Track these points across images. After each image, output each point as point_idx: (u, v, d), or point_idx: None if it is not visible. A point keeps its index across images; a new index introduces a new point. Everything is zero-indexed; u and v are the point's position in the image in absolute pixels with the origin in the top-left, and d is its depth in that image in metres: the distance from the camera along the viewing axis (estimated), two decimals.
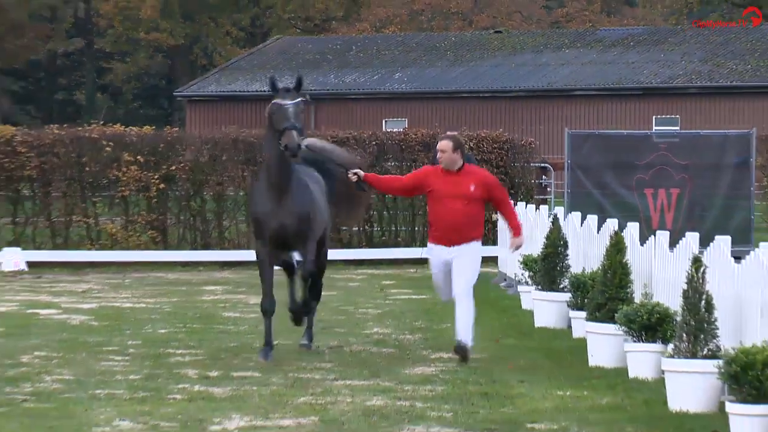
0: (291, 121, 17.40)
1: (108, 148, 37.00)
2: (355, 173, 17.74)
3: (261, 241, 18.20)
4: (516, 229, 17.64)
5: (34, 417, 14.15)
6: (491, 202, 17.61)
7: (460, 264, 17.46)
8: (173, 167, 36.38)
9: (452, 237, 17.37)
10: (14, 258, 34.43)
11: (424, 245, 37.54)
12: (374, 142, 38.68)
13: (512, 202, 18.00)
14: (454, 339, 17.52)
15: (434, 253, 17.85)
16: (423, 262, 35.10)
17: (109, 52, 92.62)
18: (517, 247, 18.12)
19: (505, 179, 37.43)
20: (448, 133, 17.72)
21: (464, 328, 17.50)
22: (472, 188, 17.14)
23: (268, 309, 18.23)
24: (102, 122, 40.75)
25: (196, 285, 30.50)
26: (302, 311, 18.99)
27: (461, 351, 17.37)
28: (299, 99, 17.82)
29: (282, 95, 17.77)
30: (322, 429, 13.28)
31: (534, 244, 24.51)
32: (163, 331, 22.00)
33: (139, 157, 36.95)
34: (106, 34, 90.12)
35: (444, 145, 17.03)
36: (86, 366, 17.99)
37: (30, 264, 34.43)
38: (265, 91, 68.11)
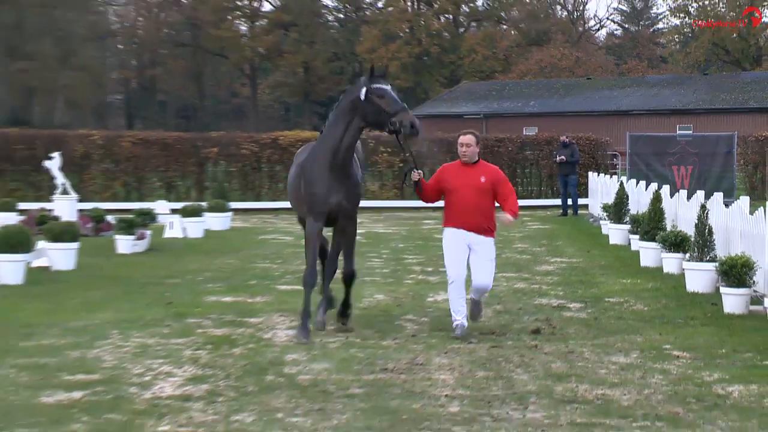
0: (401, 103, 10.88)
1: (371, 144, 37.09)
2: (419, 173, 11.43)
3: (314, 217, 11.12)
4: (510, 212, 10.95)
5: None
6: (496, 196, 11.12)
7: (479, 258, 11.06)
8: (407, 154, 36.21)
9: (467, 222, 10.98)
10: None
11: (546, 197, 37.53)
12: (519, 140, 38.64)
13: (518, 201, 11.28)
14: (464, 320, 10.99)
15: (452, 231, 11.06)
16: (545, 207, 34.90)
17: None
18: (506, 222, 11.02)
19: (593, 161, 37.26)
20: (468, 129, 11.57)
21: (477, 295, 11.39)
22: (482, 179, 11.02)
23: (310, 281, 11.17)
24: (369, 131, 40.75)
25: (419, 219, 30.52)
26: (348, 314, 11.65)
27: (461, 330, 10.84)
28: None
29: (378, 80, 10.98)
30: (489, 300, 13.18)
31: (609, 197, 24.22)
32: (401, 245, 22.00)
33: (388, 149, 37.01)
34: None
35: (469, 139, 11.16)
36: (358, 264, 17.95)
37: None
38: (454, 113, 68.58)
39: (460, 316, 10.99)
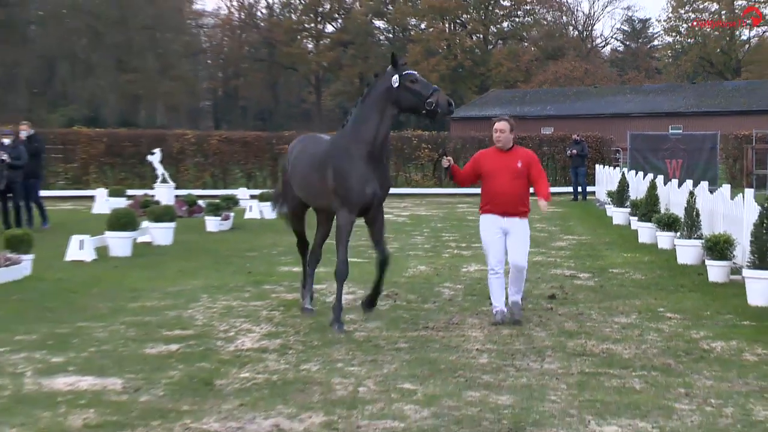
0: (433, 85, 9.17)
1: (414, 141, 37.08)
2: (449, 160, 9.80)
3: (350, 210, 9.16)
4: (545, 197, 9.38)
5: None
6: (529, 177, 9.55)
7: (515, 239, 9.37)
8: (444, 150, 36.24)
9: (504, 207, 9.37)
10: None
11: (560, 185, 37.22)
12: (538, 138, 38.54)
13: (548, 183, 9.76)
14: (507, 304, 9.52)
15: (488, 218, 9.48)
16: (559, 194, 34.64)
17: None
18: (543, 209, 9.43)
19: (599, 155, 37.14)
20: (504, 116, 9.87)
21: (516, 291, 9.52)
22: (519, 164, 9.44)
23: (343, 275, 9.23)
24: (413, 130, 40.69)
25: (454, 204, 30.43)
26: (375, 303, 9.92)
27: (503, 316, 9.33)
28: None
29: (404, 68, 9.21)
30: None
31: (612, 185, 24.02)
32: (439, 225, 21.91)
33: (428, 146, 36.96)
34: None
35: (503, 125, 9.53)
36: (404, 241, 18.05)
37: None
38: (483, 115, 68.12)
39: (499, 303, 9.47)
